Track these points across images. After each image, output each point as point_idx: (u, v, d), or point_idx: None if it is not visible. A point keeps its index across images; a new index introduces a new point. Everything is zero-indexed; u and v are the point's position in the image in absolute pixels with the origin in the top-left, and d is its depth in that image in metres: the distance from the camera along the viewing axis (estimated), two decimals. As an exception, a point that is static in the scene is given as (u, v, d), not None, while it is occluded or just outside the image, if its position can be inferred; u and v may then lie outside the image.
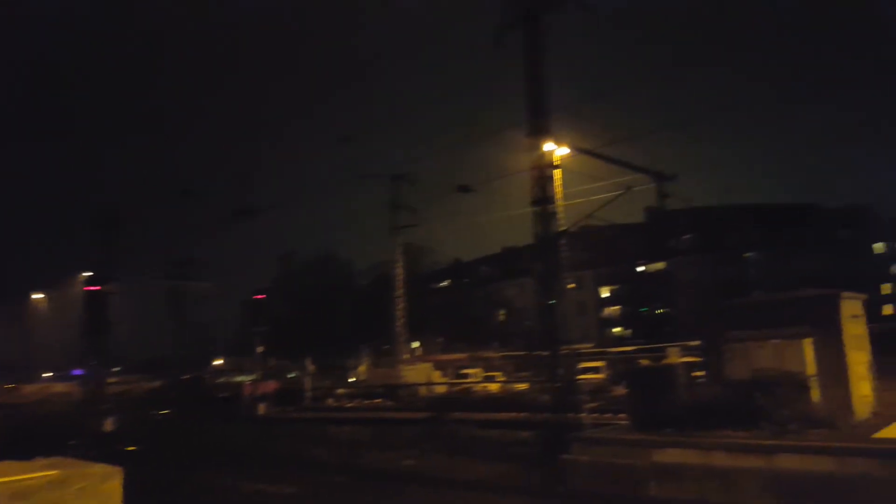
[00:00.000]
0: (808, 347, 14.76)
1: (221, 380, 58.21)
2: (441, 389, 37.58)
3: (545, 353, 22.33)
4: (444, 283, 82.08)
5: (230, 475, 22.59)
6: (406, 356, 44.83)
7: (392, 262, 45.55)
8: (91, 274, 43.28)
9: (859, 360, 15.20)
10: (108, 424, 36.29)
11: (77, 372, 54.14)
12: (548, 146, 22.90)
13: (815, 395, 14.39)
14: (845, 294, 15.47)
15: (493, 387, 35.86)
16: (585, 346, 45.20)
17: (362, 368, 50.24)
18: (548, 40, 23.10)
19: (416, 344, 50.64)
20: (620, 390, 22.91)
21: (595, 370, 34.15)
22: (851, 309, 15.59)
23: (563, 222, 23.17)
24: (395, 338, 44.48)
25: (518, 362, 43.00)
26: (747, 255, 71.53)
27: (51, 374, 74.26)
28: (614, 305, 78.51)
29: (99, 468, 5.05)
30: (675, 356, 25.49)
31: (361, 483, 21.02)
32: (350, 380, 50.07)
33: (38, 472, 4.71)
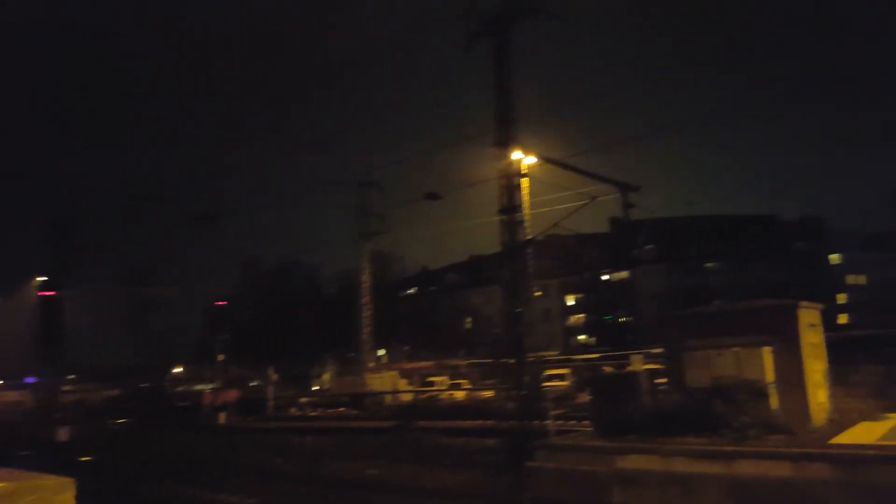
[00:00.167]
0: (766, 356, 15.09)
1: (181, 388, 56.99)
2: (407, 398, 37.41)
3: (511, 361, 22.43)
4: (411, 291, 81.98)
5: (190, 486, 22.06)
6: (372, 364, 44.56)
7: (359, 270, 45.28)
8: (45, 279, 42.06)
9: (816, 368, 15.59)
10: (63, 434, 35.19)
11: (30, 380, 52.54)
12: (515, 155, 23.10)
13: (774, 402, 14.70)
14: (803, 304, 15.86)
15: (460, 395, 35.85)
16: (551, 354, 45.56)
17: (326, 377, 49.76)
18: (515, 50, 23.40)
19: (381, 352, 50.37)
20: (585, 397, 23.13)
21: (560, 377, 34.46)
22: (809, 318, 16.00)
23: (529, 231, 23.36)
24: (360, 346, 44.18)
25: (484, 370, 43.09)
26: (708, 265, 73.16)
27: (1, 382, 71.72)
28: (579, 313, 79.36)
29: (51, 480, 4.87)
30: (638, 364, 25.87)
31: (325, 493, 20.73)
32: (314, 388, 49.53)
33: (-14, 484, 4.52)
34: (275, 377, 44.17)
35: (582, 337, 77.34)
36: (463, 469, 20.00)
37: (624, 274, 75.43)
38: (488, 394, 32.32)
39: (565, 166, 24.20)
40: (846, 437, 13.42)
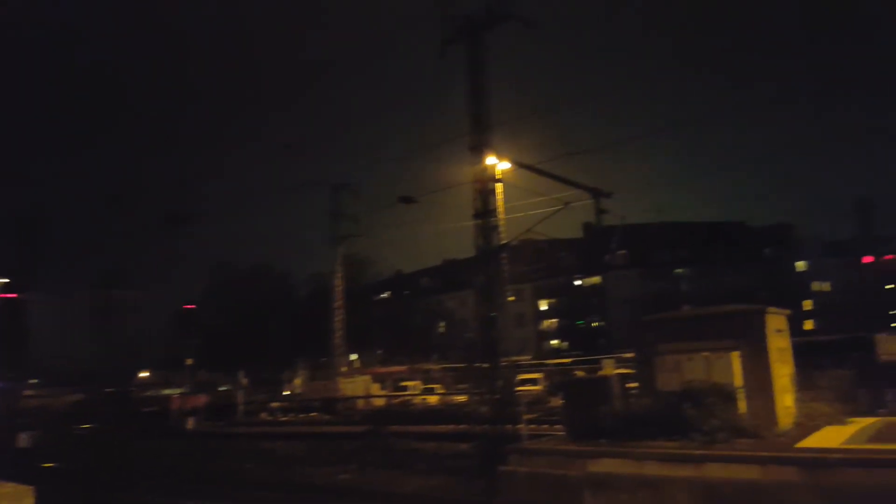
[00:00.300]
0: (735, 360, 15.31)
1: (148, 393, 55.98)
2: (379, 402, 37.22)
3: (485, 365, 22.44)
4: (385, 295, 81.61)
5: (157, 493, 21.64)
6: (344, 369, 44.24)
7: (332, 274, 44.95)
8: (7, 281, 40.97)
9: (783, 373, 15.86)
10: (24, 440, 34.28)
11: (-10, 384, 51.03)
12: (490, 160, 23.15)
13: (742, 405, 14.92)
14: (770, 309, 16.13)
15: (433, 399, 35.78)
16: (524, 359, 45.76)
17: (298, 382, 49.29)
18: (491, 55, 23.47)
19: (354, 356, 50.04)
20: (557, 401, 23.20)
21: (533, 382, 34.59)
22: (776, 323, 16.28)
23: (504, 235, 23.42)
24: (333, 350, 43.85)
25: (458, 374, 43.07)
26: (678, 270, 74.24)
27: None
28: (552, 318, 79.84)
29: (10, 487, 4.72)
30: (610, 368, 26.10)
31: (297, 498, 20.52)
32: (285, 393, 49.01)
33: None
34: (245, 381, 43.64)
35: (555, 341, 77.79)
36: (435, 474, 19.95)
37: (596, 279, 76.16)
38: (461, 398, 32.30)
39: (539, 171, 24.32)
40: (812, 441, 13.65)
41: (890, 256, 76.29)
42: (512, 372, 24.25)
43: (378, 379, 44.51)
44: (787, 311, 17.36)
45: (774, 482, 11.93)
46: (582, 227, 69.09)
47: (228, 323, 62.47)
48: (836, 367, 17.64)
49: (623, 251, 70.51)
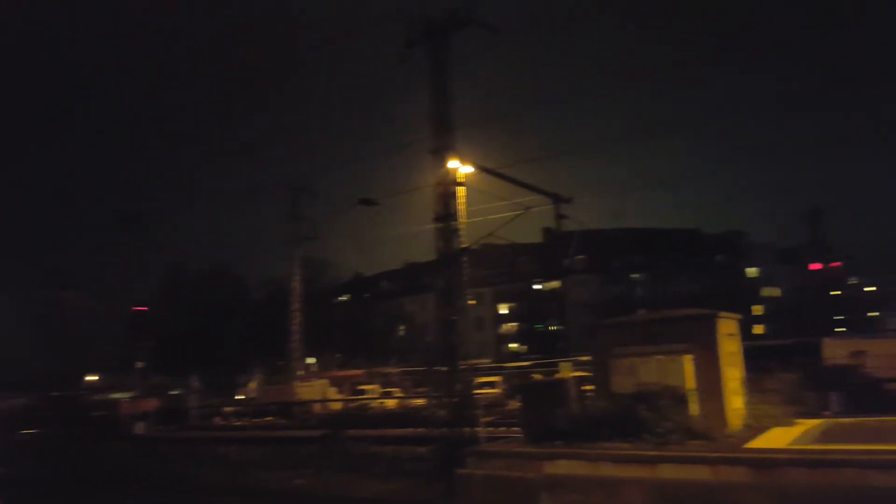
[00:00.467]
0: (687, 363, 15.64)
1: (98, 397, 54.27)
2: (337, 406, 36.83)
3: (444, 369, 22.42)
4: (344, 298, 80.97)
5: (105, 500, 20.99)
6: (301, 373, 43.67)
7: (289, 276, 44.36)
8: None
9: (733, 376, 16.26)
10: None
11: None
12: (452, 164, 23.16)
13: (694, 408, 15.25)
14: (721, 314, 16.52)
15: (391, 403, 35.55)
16: (483, 362, 45.90)
17: (253, 385, 48.44)
18: (453, 60, 23.48)
19: (311, 360, 49.43)
20: (516, 404, 23.35)
21: (492, 385, 34.70)
22: (727, 328, 16.68)
23: (465, 239, 23.44)
24: (290, 354, 43.24)
25: (417, 378, 42.93)
26: (634, 275, 75.69)
27: None
28: (512, 322, 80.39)
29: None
30: (567, 371, 26.31)
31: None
32: (240, 397, 48.12)
33: None
34: (198, 385, 42.72)
35: (514, 345, 78.32)
36: (393, 477, 19.85)
37: (556, 283, 76.98)
38: (420, 402, 32.21)
39: (501, 176, 24.44)
40: (761, 442, 14.03)
41: (837, 263, 79.15)
42: (470, 375, 24.29)
43: (336, 383, 44.01)
44: (738, 316, 17.79)
45: (724, 482, 12.23)
46: (542, 232, 69.86)
47: (182, 325, 61.10)
48: (783, 371, 18.17)
49: (582, 256, 71.51)
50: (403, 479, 19.51)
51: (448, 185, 23.10)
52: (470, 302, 28.06)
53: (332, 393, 41.20)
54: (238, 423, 36.74)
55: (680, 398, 15.11)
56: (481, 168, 24.17)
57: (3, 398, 54.88)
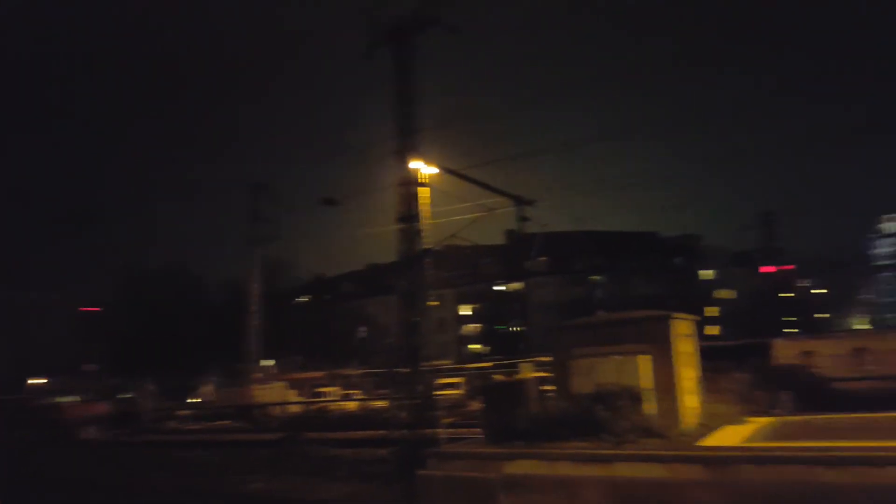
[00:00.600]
0: (643, 363, 15.90)
1: (45, 400, 52.46)
2: (296, 409, 36.39)
3: (406, 370, 22.34)
4: (305, 299, 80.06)
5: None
6: (259, 375, 42.99)
7: (248, 276, 43.65)
8: None
9: (688, 376, 16.59)
10: None
11: None
12: (415, 164, 23.11)
13: (651, 407, 15.51)
14: (676, 315, 16.85)
15: (351, 405, 35.28)
16: (445, 363, 45.85)
17: (208, 388, 47.51)
18: (417, 60, 23.43)
19: (270, 362, 48.72)
20: (477, 405, 23.40)
21: (454, 386, 34.73)
22: (682, 329, 17.02)
23: (428, 240, 23.39)
24: (248, 356, 42.55)
25: (378, 380, 42.66)
26: (594, 277, 76.81)
27: None
28: (474, 323, 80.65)
29: None
30: (528, 372, 26.47)
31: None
32: (195, 401, 47.14)
33: None
34: (151, 388, 41.74)
35: (476, 346, 78.59)
36: (353, 480, 19.68)
37: (518, 285, 77.53)
38: (381, 404, 32.03)
39: (464, 177, 24.49)
40: (714, 440, 14.34)
41: (789, 266, 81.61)
42: (432, 376, 24.26)
43: (295, 385, 43.49)
44: (695, 317, 18.16)
45: (679, 480, 12.46)
46: (505, 233, 70.30)
47: (137, 327, 59.61)
48: (736, 371, 18.62)
49: (544, 258, 72.20)
50: (364, 482, 19.37)
51: (411, 185, 23.05)
52: (432, 303, 28.01)
53: (292, 395, 40.71)
54: (193, 427, 36.02)
55: (637, 398, 15.35)
56: (445, 169, 24.20)
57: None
